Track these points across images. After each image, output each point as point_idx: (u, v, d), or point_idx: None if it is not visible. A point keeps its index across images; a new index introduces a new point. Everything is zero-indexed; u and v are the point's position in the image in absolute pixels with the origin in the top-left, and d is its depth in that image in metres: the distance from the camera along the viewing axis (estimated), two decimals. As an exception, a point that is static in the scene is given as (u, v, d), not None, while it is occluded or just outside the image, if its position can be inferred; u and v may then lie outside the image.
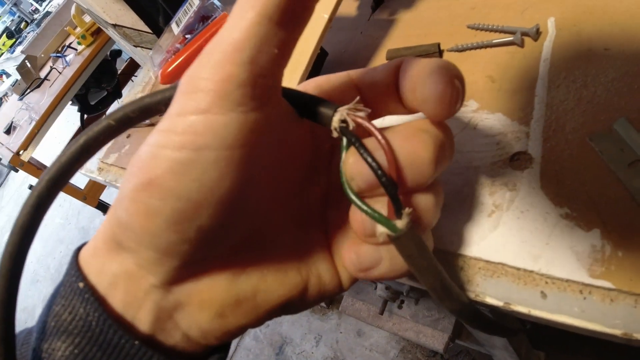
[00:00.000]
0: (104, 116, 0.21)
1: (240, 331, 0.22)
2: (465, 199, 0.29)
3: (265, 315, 0.23)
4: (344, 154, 0.21)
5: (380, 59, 0.40)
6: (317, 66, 0.42)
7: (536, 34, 0.32)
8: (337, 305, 1.10)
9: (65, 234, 2.85)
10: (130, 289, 0.20)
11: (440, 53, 0.36)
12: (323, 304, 1.56)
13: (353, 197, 0.21)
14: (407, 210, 0.20)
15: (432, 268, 0.21)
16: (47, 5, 2.70)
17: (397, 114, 0.24)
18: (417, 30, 0.39)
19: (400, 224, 0.20)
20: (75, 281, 0.20)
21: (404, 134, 0.21)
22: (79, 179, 1.74)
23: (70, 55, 1.77)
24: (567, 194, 0.26)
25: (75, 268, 0.21)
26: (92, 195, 1.79)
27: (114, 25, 0.75)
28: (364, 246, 0.22)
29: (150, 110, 0.21)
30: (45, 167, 1.66)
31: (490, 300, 0.26)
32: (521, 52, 0.32)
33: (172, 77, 0.61)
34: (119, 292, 0.20)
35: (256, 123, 0.18)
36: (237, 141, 0.18)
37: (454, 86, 0.20)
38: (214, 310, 0.21)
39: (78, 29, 1.74)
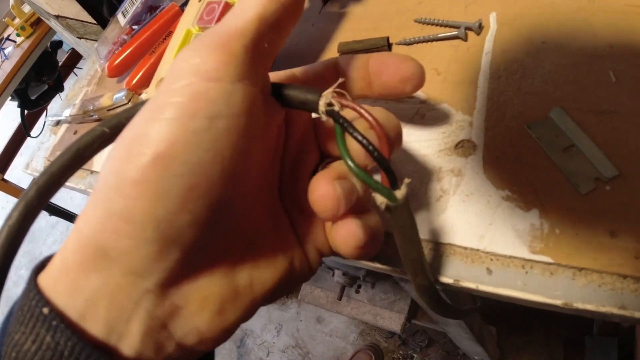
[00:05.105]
0: (97, 124, 0.21)
1: (235, 328, 0.22)
2: (415, 185, 0.30)
3: (259, 304, 0.23)
4: (340, 137, 0.22)
5: (331, 52, 0.41)
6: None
7: (479, 29, 0.34)
8: (296, 294, 1.12)
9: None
10: (115, 303, 0.19)
11: (389, 46, 0.37)
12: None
13: (360, 172, 0.21)
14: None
15: (417, 240, 0.23)
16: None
17: None
18: (367, 24, 0.40)
19: (400, 194, 0.21)
20: (36, 305, 0.18)
21: (380, 112, 0.23)
22: (24, 179, 1.66)
23: (8, 48, 1.67)
24: (508, 178, 0.28)
25: (34, 291, 0.18)
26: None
27: (57, 17, 0.72)
28: (365, 216, 0.24)
29: None
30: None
31: (442, 279, 0.28)
32: (465, 45, 0.34)
33: (120, 70, 0.60)
34: (100, 310, 0.18)
35: (255, 96, 0.20)
36: (244, 109, 0.19)
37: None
38: (215, 307, 0.21)
39: (17, 20, 1.65)
